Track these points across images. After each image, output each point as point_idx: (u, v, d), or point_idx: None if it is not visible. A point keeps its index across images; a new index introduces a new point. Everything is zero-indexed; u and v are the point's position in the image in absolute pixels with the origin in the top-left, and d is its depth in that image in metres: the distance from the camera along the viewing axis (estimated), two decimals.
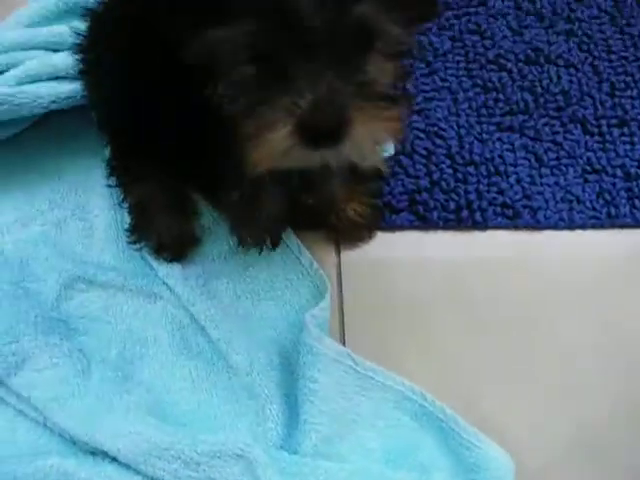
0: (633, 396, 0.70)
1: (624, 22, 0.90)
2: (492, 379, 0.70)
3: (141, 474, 0.62)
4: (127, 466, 0.62)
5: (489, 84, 0.84)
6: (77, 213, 0.75)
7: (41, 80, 0.71)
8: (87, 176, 0.77)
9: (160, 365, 0.69)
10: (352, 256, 0.74)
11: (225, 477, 0.60)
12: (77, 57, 0.63)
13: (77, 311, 0.71)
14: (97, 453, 0.63)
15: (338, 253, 0.74)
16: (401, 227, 0.75)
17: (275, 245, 0.70)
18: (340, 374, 0.66)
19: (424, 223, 0.75)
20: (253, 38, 0.42)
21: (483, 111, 0.82)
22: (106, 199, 0.75)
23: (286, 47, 0.42)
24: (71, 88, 0.70)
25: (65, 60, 0.70)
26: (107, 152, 0.73)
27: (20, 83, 0.70)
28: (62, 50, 0.73)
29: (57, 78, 0.71)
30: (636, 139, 0.83)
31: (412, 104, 0.46)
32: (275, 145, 0.44)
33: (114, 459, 0.62)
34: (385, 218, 0.74)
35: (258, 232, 0.69)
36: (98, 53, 0.61)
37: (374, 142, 0.47)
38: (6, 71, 0.72)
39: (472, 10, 0.89)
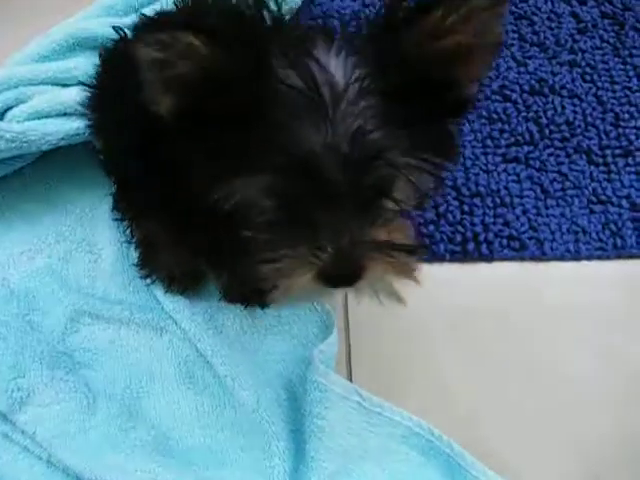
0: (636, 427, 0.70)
1: (627, 53, 0.90)
2: (500, 414, 0.69)
3: None
4: None
5: (494, 115, 0.85)
6: (83, 246, 0.75)
7: (50, 116, 0.71)
8: (94, 208, 0.77)
9: (166, 400, 0.68)
10: None
11: None
12: (85, 110, 0.64)
13: (83, 344, 0.71)
14: None
15: None
16: None
17: (264, 305, 0.70)
18: (347, 410, 0.66)
19: (431, 256, 0.75)
20: (277, 188, 0.43)
21: (488, 142, 0.83)
22: (113, 232, 0.75)
23: (309, 197, 0.43)
24: (80, 125, 0.70)
25: (74, 96, 0.71)
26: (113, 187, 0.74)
27: (28, 119, 0.71)
28: (71, 85, 0.74)
29: (66, 114, 0.71)
30: None
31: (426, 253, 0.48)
32: (293, 289, 0.46)
33: None
34: None
35: (244, 295, 0.70)
36: (105, 112, 0.61)
37: (389, 285, 0.48)
38: (15, 106, 0.73)
39: None
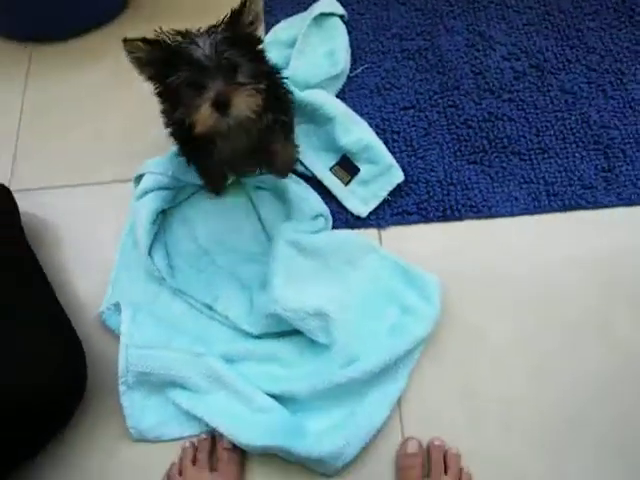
0: None
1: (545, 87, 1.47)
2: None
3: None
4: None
5: (461, 137, 1.41)
6: None
7: None
8: None
9: None
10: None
11: None
12: None
13: None
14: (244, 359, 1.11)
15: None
16: (409, 222, 1.33)
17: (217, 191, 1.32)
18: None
19: (425, 218, 1.33)
20: (187, 76, 0.92)
21: (459, 153, 1.39)
22: None
23: (199, 76, 0.92)
24: None
25: None
26: None
27: None
28: None
29: None
30: None
31: (263, 82, 0.98)
32: (203, 117, 0.92)
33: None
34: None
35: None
36: None
37: (247, 105, 0.94)
38: None
39: (449, 93, 1.46)
